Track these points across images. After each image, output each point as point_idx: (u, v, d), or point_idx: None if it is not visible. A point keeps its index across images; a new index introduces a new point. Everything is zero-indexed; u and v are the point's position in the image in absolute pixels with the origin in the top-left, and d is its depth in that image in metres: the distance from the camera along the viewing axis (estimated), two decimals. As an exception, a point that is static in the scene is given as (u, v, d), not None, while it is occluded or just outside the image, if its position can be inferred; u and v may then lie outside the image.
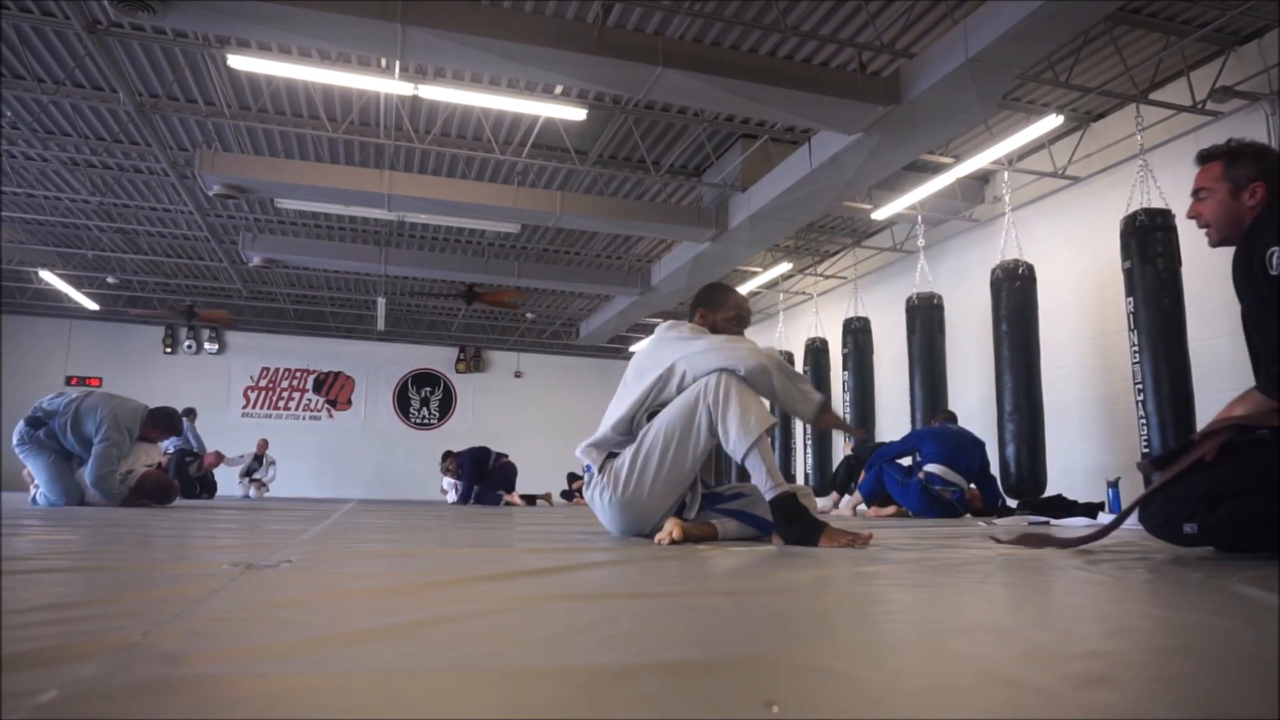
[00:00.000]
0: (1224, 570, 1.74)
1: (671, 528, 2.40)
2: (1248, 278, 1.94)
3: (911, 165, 7.59)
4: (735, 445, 2.40)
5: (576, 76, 5.57)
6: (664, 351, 2.58)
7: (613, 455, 2.62)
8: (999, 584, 1.47)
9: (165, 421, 5.27)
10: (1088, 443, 7.35)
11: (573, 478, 12.37)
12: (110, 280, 12.38)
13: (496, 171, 8.63)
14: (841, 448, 9.33)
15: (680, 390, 2.53)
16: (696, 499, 2.61)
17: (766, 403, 2.50)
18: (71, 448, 4.97)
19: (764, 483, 2.40)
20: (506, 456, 9.99)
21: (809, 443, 10.23)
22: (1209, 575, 1.62)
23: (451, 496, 10.15)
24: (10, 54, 6.49)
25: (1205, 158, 2.17)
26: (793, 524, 2.35)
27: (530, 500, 9.85)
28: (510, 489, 9.73)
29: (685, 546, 2.30)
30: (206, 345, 14.85)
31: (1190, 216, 2.18)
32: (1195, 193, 2.16)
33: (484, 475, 9.73)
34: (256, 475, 11.92)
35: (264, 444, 12.20)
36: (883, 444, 7.14)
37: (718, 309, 2.78)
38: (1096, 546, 2.27)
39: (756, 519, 2.58)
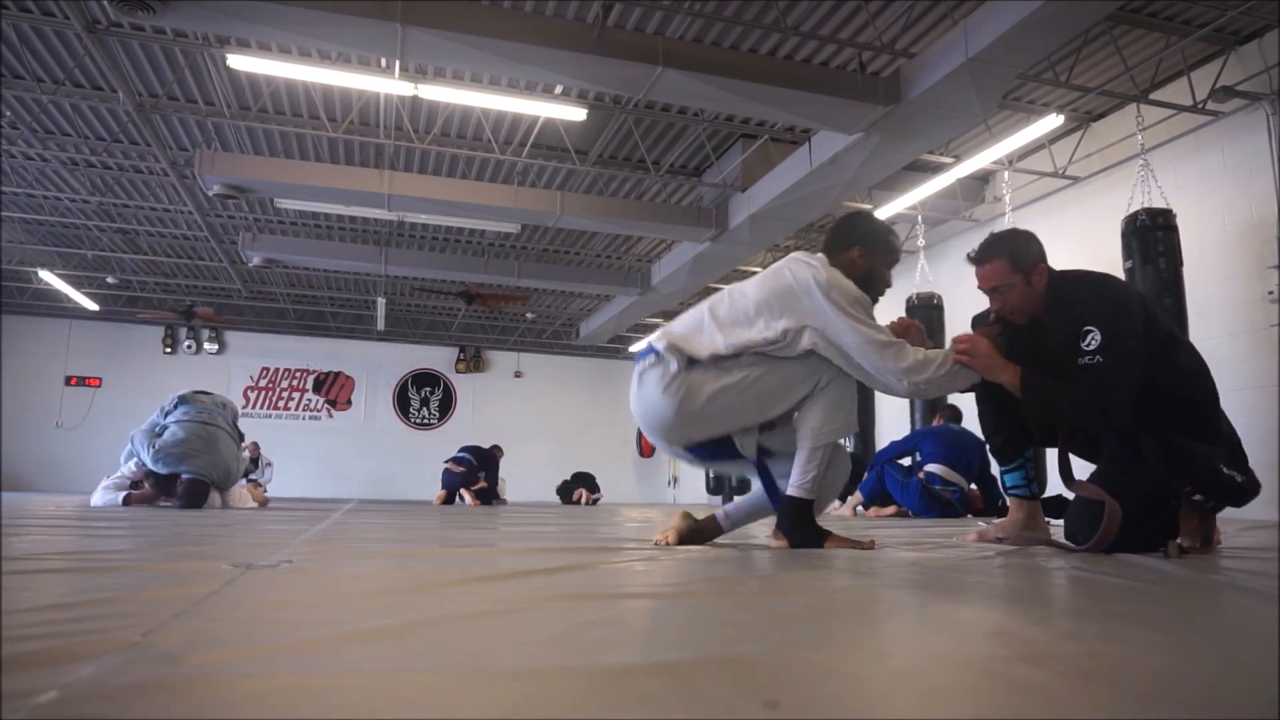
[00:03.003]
0: (1222, 571, 1.74)
1: (669, 533, 2.37)
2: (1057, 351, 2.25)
3: (911, 165, 7.59)
4: (801, 437, 2.26)
5: (576, 76, 5.57)
6: (806, 303, 2.21)
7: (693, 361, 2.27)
8: (999, 584, 1.47)
9: None
10: (1088, 443, 7.35)
11: (576, 478, 12.32)
12: (110, 280, 12.38)
13: (496, 171, 8.63)
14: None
15: (797, 350, 2.23)
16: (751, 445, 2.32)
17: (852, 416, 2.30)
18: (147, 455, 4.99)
19: (798, 479, 2.26)
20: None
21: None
22: (1207, 575, 1.62)
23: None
24: (10, 54, 6.49)
25: (984, 258, 2.37)
26: (798, 529, 2.29)
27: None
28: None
29: (687, 546, 2.30)
30: (206, 345, 14.84)
31: (997, 310, 2.39)
32: (993, 289, 2.36)
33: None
34: (254, 478, 11.88)
35: (255, 447, 12.10)
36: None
37: (880, 252, 2.37)
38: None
39: (773, 489, 2.36)
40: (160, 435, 4.97)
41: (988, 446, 2.61)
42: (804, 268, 2.26)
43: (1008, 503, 2.66)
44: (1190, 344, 2.38)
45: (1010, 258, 2.31)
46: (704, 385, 2.25)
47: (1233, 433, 2.26)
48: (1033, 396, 2.22)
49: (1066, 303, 2.28)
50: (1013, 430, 2.50)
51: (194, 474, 4.86)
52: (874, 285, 2.36)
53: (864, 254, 2.35)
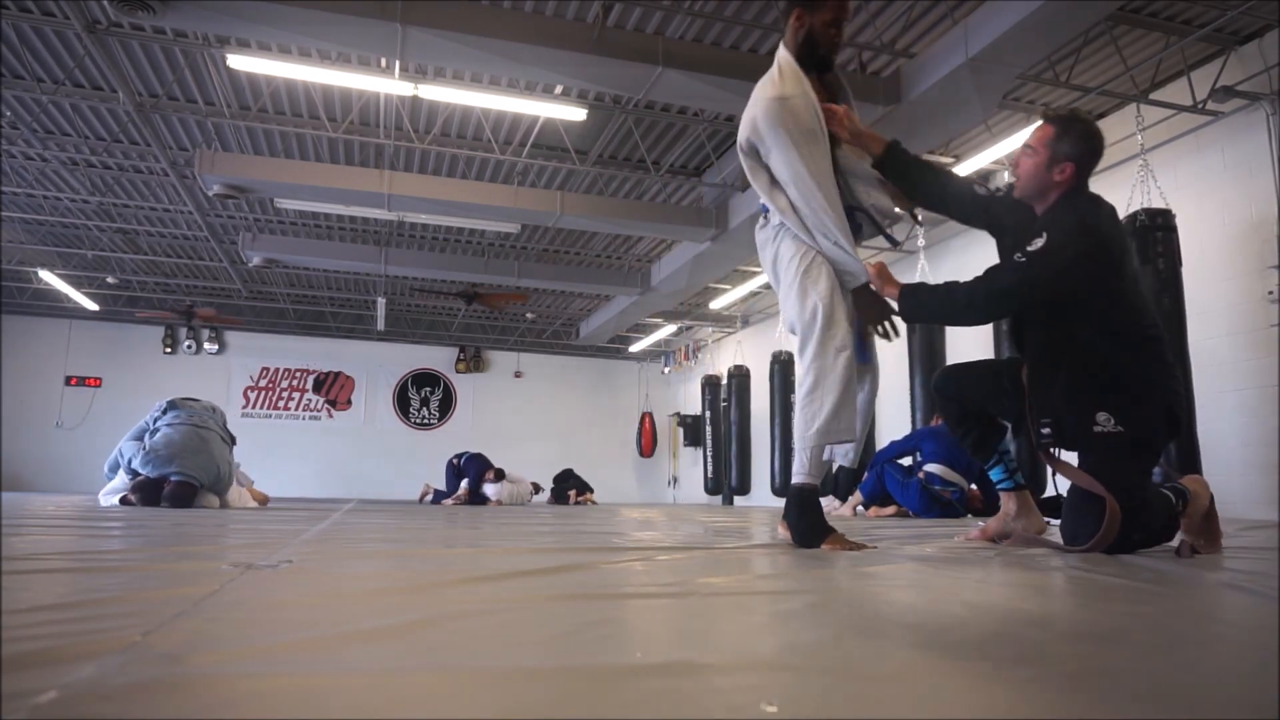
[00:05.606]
0: (1222, 571, 1.74)
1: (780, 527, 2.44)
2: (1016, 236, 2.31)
3: (911, 165, 7.58)
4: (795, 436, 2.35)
5: (576, 76, 5.57)
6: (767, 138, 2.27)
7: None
8: (998, 583, 1.47)
9: None
10: (1088, 443, 7.33)
11: (565, 476, 12.24)
12: (110, 280, 12.38)
13: (496, 171, 8.63)
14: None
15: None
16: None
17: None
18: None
19: (798, 465, 2.32)
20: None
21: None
22: (1207, 576, 1.63)
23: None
24: (10, 54, 6.49)
25: (1046, 118, 2.33)
26: (801, 520, 2.30)
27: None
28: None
29: (689, 546, 2.30)
30: (206, 345, 14.84)
31: (1011, 164, 2.43)
32: (1024, 145, 2.32)
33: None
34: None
35: None
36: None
37: (814, 7, 2.31)
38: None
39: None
40: (151, 438, 5.01)
41: (966, 448, 2.64)
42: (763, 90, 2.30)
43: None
44: (1141, 296, 2.31)
45: (1057, 131, 2.27)
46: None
47: (1154, 392, 2.17)
48: (908, 303, 2.34)
49: (1053, 210, 2.27)
50: (980, 427, 2.54)
51: (183, 476, 4.87)
52: (816, 44, 2.34)
53: (801, 15, 2.33)
